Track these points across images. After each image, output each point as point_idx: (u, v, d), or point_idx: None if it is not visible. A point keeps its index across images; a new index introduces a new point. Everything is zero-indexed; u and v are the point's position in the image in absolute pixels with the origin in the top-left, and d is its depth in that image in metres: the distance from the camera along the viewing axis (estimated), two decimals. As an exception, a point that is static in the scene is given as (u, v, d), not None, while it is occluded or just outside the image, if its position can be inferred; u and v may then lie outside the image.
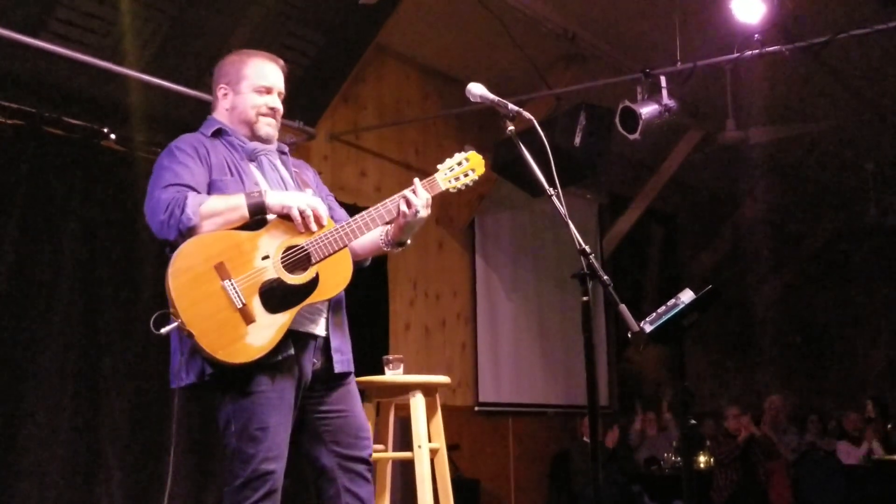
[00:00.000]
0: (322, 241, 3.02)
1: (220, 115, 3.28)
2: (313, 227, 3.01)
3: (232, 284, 2.88)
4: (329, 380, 3.17)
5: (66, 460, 5.21)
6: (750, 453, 8.58)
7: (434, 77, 8.09)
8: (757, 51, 6.10)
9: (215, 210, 2.94)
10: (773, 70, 7.61)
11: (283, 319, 2.92)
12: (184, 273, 2.87)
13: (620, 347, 10.78)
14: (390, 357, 4.37)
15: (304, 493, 6.00)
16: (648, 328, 3.73)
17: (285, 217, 3.00)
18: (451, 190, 3.31)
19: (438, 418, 4.39)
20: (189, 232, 2.90)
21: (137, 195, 5.70)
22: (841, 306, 13.50)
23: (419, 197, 3.19)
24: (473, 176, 3.34)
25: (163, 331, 2.86)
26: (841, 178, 11.28)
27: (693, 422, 9.23)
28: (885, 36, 6.41)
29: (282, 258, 2.97)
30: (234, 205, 2.96)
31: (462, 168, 3.33)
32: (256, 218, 2.98)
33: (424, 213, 3.20)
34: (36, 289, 5.24)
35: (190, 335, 2.83)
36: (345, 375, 3.21)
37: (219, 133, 3.21)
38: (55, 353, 5.25)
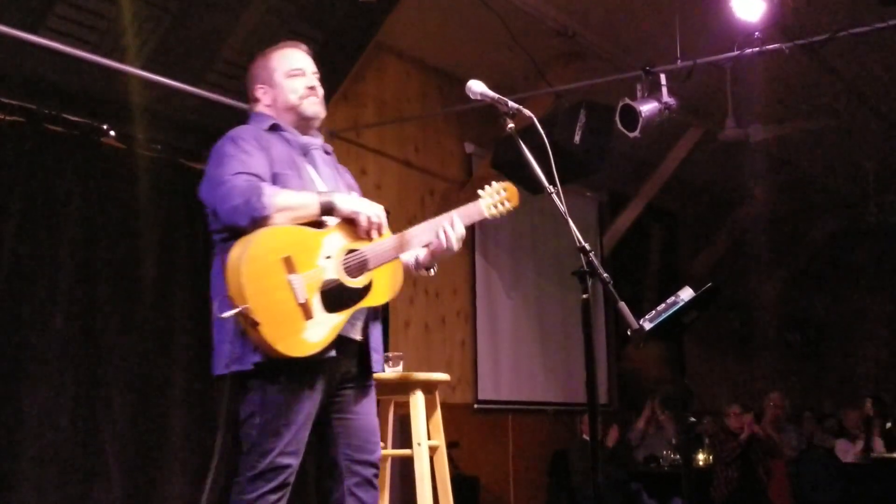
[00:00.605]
0: (379, 249, 3.10)
1: (265, 111, 3.33)
2: (375, 235, 3.11)
3: (297, 279, 2.92)
4: (356, 381, 3.22)
5: (66, 460, 5.20)
6: (751, 452, 8.58)
7: (434, 75, 8.09)
8: (757, 49, 6.10)
9: (289, 205, 2.97)
10: (774, 68, 7.61)
11: (338, 319, 2.99)
12: (255, 261, 2.89)
13: (620, 345, 10.78)
14: (390, 354, 4.37)
15: (303, 493, 6.01)
16: (648, 326, 3.73)
17: (350, 221, 3.07)
18: (488, 217, 3.37)
19: (438, 416, 4.39)
20: (262, 221, 2.92)
21: (137, 192, 5.77)
22: (840, 304, 13.51)
23: (455, 230, 3.24)
24: (509, 206, 3.42)
25: (225, 315, 2.87)
26: (841, 176, 11.28)
27: (692, 419, 9.25)
28: (885, 34, 6.40)
29: (343, 261, 3.03)
30: (307, 202, 3.01)
31: (500, 197, 3.40)
32: (321, 218, 3.05)
33: (456, 246, 3.25)
34: (35, 286, 5.23)
35: (255, 323, 2.84)
36: (368, 378, 3.26)
37: (273, 128, 3.25)
38: (54, 351, 5.25)
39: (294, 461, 3.00)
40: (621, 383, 10.90)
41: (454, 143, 8.57)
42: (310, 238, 3.01)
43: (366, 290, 3.06)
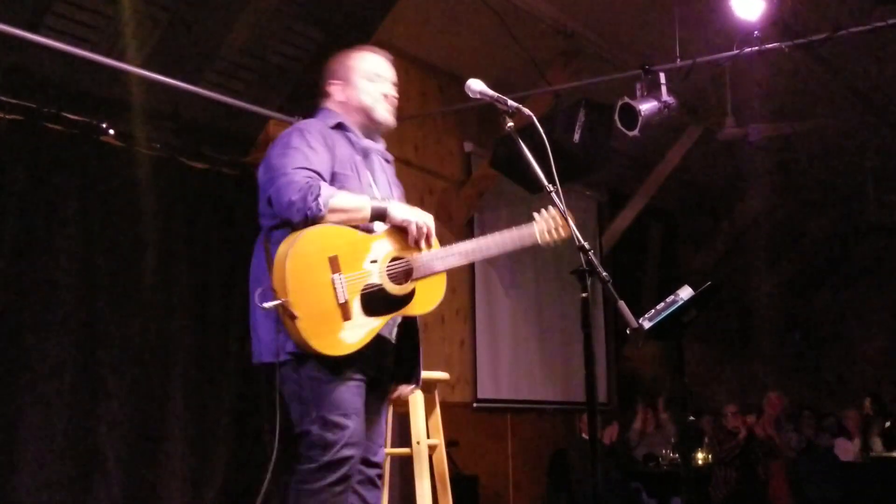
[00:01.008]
0: (425, 260, 3.16)
1: (334, 108, 3.33)
2: (424, 244, 3.16)
3: (340, 279, 2.96)
4: (383, 384, 3.27)
5: (65, 458, 5.21)
6: (750, 452, 8.59)
7: (433, 73, 8.09)
8: (756, 48, 6.10)
9: (343, 207, 3.00)
10: (773, 67, 7.61)
11: (375, 324, 3.02)
12: (302, 257, 2.93)
13: (619, 344, 10.79)
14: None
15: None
16: (647, 325, 3.74)
17: (400, 229, 3.11)
18: (540, 244, 3.38)
19: (437, 415, 4.39)
20: (314, 220, 2.94)
21: (137, 191, 5.77)
22: (839, 303, 13.51)
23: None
24: (563, 235, 3.34)
25: (266, 305, 2.90)
26: (840, 175, 11.27)
27: (691, 418, 9.26)
28: (884, 33, 6.40)
29: (388, 267, 3.08)
30: (360, 206, 3.04)
31: (554, 224, 3.34)
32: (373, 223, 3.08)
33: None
34: (34, 284, 5.23)
35: (293, 317, 2.88)
36: (390, 382, 3.32)
37: (339, 126, 3.26)
38: (54, 349, 5.25)
39: (356, 452, 3.02)
40: (620, 382, 10.90)
41: (453, 142, 8.56)
42: (359, 241, 3.04)
43: (407, 298, 3.11)
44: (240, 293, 6.09)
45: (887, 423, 9.85)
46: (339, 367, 3.00)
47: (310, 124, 3.21)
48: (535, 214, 3.36)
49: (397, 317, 3.18)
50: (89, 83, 5.66)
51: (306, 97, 6.62)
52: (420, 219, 3.14)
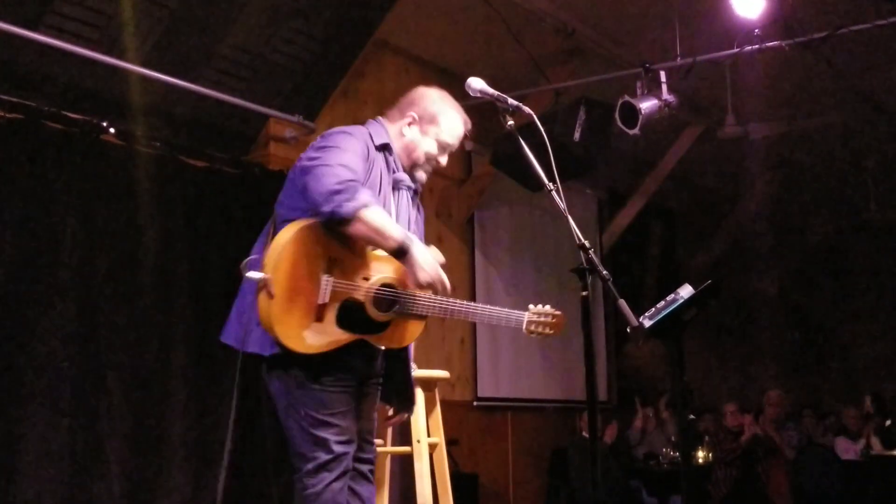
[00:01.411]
0: (413, 301, 3.15)
1: (392, 131, 3.32)
2: (421, 293, 3.15)
3: (329, 281, 2.95)
4: (372, 384, 3.28)
5: (65, 456, 5.20)
6: (751, 451, 8.58)
7: (433, 72, 8.08)
8: (757, 46, 6.11)
9: (373, 225, 2.96)
10: (773, 65, 7.60)
11: (341, 337, 3.01)
12: (304, 244, 2.94)
13: (619, 342, 10.78)
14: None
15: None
16: (647, 323, 3.74)
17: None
18: (524, 332, 3.40)
19: (437, 413, 4.40)
20: (338, 219, 2.92)
21: (137, 189, 5.77)
22: (840, 302, 13.50)
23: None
24: (549, 332, 3.43)
25: (250, 274, 2.95)
26: (840, 173, 11.27)
27: (692, 417, 9.25)
28: (884, 31, 6.40)
29: (376, 290, 3.07)
30: (389, 234, 3.00)
31: (545, 321, 3.40)
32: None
33: None
34: (35, 283, 5.23)
35: (270, 295, 2.89)
36: (379, 383, 3.33)
37: (383, 147, 3.26)
38: (54, 347, 5.24)
39: (349, 448, 3.05)
40: (621, 381, 10.90)
41: (454, 141, 8.56)
42: (362, 253, 3.04)
43: (381, 326, 3.09)
44: (240, 291, 6.09)
45: (888, 422, 9.85)
46: (326, 370, 3.02)
47: (358, 132, 3.20)
48: (531, 307, 3.39)
49: (360, 339, 3.14)
50: (89, 82, 5.65)
51: (307, 96, 6.64)
52: (435, 278, 3.12)
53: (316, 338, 2.95)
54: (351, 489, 3.14)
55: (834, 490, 8.65)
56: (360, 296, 3.02)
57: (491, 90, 3.23)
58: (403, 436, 4.51)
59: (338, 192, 2.89)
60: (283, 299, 2.90)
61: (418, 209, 3.46)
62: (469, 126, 3.42)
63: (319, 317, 2.95)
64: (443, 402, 4.51)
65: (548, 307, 3.39)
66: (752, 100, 8.40)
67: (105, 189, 5.63)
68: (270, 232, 3.07)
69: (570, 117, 7.08)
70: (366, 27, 6.80)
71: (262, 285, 2.92)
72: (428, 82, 3.55)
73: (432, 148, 3.32)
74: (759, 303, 13.15)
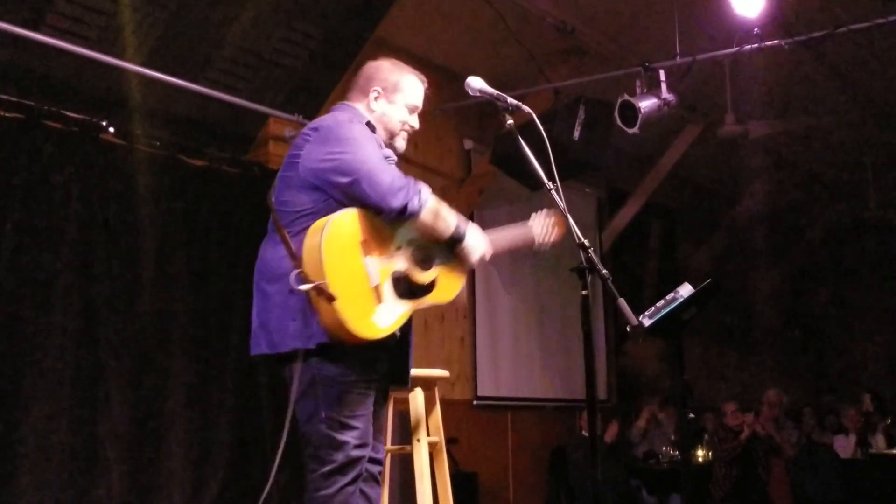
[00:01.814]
0: (444, 251, 3.22)
1: (362, 111, 3.35)
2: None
3: (372, 263, 2.99)
4: (384, 382, 3.26)
5: (66, 457, 5.20)
6: (752, 450, 8.59)
7: (433, 71, 8.05)
8: (756, 45, 6.11)
9: (438, 216, 3.12)
10: (773, 64, 7.61)
11: (405, 308, 3.08)
12: (336, 240, 2.95)
13: (619, 341, 10.78)
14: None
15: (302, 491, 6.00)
16: (647, 322, 3.74)
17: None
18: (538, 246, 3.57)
19: (437, 412, 4.39)
20: (410, 214, 3.01)
21: (137, 188, 5.77)
22: (839, 300, 13.52)
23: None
24: (557, 232, 3.57)
25: (302, 287, 2.91)
26: (840, 172, 11.28)
27: (691, 416, 9.25)
28: (884, 30, 6.41)
29: (412, 252, 3.13)
30: (449, 222, 3.17)
31: (549, 222, 3.57)
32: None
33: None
34: (35, 283, 5.23)
35: (331, 298, 2.88)
36: (388, 382, 3.32)
37: (369, 125, 3.29)
38: (54, 347, 5.25)
39: (365, 452, 3.05)
40: (620, 379, 10.90)
41: (453, 140, 8.56)
42: (385, 226, 3.07)
43: (430, 287, 3.17)
44: (240, 290, 6.09)
45: (888, 421, 9.86)
46: (356, 369, 3.02)
47: (355, 117, 3.25)
48: (532, 218, 3.53)
49: (422, 304, 3.20)
50: (89, 81, 5.66)
51: (307, 95, 6.64)
52: (486, 253, 3.28)
53: (385, 318, 3.00)
54: (361, 491, 3.13)
55: (834, 489, 8.65)
56: (401, 265, 3.08)
57: (490, 89, 3.23)
58: (403, 435, 4.51)
59: (401, 188, 2.97)
60: (344, 297, 2.90)
61: None
62: (426, 83, 3.48)
63: (379, 299, 2.98)
64: (443, 402, 4.50)
65: (542, 211, 3.54)
66: (752, 99, 8.41)
67: (105, 188, 5.63)
68: (282, 237, 3.03)
69: (569, 116, 7.09)
70: (365, 26, 6.80)
71: (315, 295, 2.91)
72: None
73: (403, 114, 3.36)
74: (758, 301, 13.15)
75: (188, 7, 5.77)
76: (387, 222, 3.06)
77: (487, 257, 3.29)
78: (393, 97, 3.34)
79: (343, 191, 3.01)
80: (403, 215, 2.98)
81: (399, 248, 3.09)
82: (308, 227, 3.00)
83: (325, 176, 3.05)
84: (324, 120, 3.22)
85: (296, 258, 2.97)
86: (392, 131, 3.34)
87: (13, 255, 5.14)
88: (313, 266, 2.91)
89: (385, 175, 2.98)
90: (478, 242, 3.24)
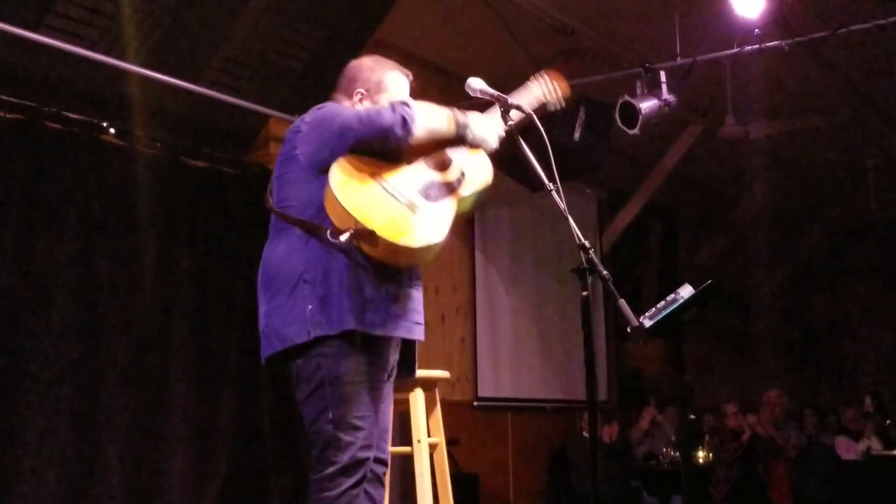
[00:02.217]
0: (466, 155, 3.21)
1: None
2: None
3: (389, 184, 2.99)
4: (391, 376, 3.23)
5: (66, 457, 5.21)
6: (752, 451, 8.59)
7: (433, 72, 8.07)
8: (756, 46, 6.11)
9: (428, 127, 3.10)
10: (773, 65, 7.60)
11: (447, 204, 3.07)
12: (347, 185, 2.93)
13: (620, 342, 10.78)
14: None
15: (304, 492, 6.00)
16: (648, 323, 3.73)
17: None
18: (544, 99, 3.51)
19: (438, 413, 4.39)
20: (407, 135, 3.01)
21: (137, 189, 5.77)
22: (840, 301, 13.51)
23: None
24: (562, 88, 3.52)
25: (342, 238, 2.88)
26: (841, 173, 11.27)
27: (692, 417, 9.26)
28: (884, 31, 6.40)
29: (426, 160, 3.13)
30: (448, 128, 3.18)
31: (550, 82, 3.52)
32: None
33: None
34: (35, 283, 5.23)
35: (370, 233, 2.87)
36: (395, 377, 3.28)
37: None
38: (54, 347, 5.25)
39: (371, 454, 3.01)
40: (621, 380, 10.90)
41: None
42: (387, 155, 3.07)
43: (458, 181, 3.14)
44: (240, 290, 6.09)
45: (888, 422, 9.85)
46: (364, 364, 2.99)
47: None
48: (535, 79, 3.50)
49: (417, 305, 3.19)
50: (90, 82, 5.66)
51: (307, 95, 6.63)
52: (493, 144, 3.23)
53: (434, 220, 2.99)
54: (366, 492, 3.10)
55: (834, 490, 8.65)
56: (422, 175, 3.09)
57: (491, 90, 3.23)
58: (403, 436, 4.51)
59: (389, 108, 3.01)
60: (381, 225, 2.88)
61: None
62: (410, 76, 3.47)
63: (413, 209, 2.98)
64: (443, 402, 4.50)
65: (536, 77, 3.52)
66: (753, 99, 8.40)
67: (106, 189, 5.64)
68: (303, 224, 3.01)
69: (570, 117, 7.08)
70: (366, 27, 6.80)
71: (355, 240, 2.89)
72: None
73: None
74: (759, 302, 13.15)
75: (189, 8, 5.77)
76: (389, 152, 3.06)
77: (503, 133, 3.23)
78: (378, 98, 3.30)
79: (348, 148, 3.01)
80: (406, 128, 2.98)
81: (410, 163, 3.09)
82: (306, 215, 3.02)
83: (327, 150, 3.03)
84: (310, 112, 3.19)
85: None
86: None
87: (14, 255, 5.14)
88: (340, 217, 2.90)
89: (371, 110, 3.03)
90: (485, 129, 3.23)
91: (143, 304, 5.72)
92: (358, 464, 2.96)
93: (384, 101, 3.27)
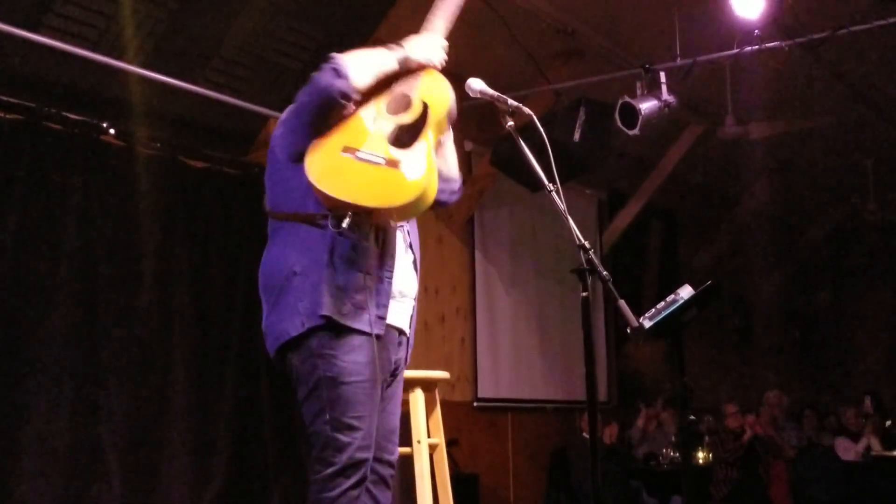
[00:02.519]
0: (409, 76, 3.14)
1: None
2: None
3: (364, 152, 2.94)
4: (397, 371, 3.20)
5: (66, 458, 5.21)
6: (752, 452, 8.59)
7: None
8: (756, 46, 6.11)
9: (369, 74, 3.02)
10: (773, 65, 7.61)
11: (421, 145, 2.99)
12: (324, 171, 2.91)
13: (620, 343, 10.78)
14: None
15: (305, 493, 5.99)
16: (648, 324, 3.74)
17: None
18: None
19: (437, 414, 4.39)
20: (340, 93, 2.95)
21: (137, 189, 5.77)
22: (840, 302, 13.52)
23: None
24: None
25: (344, 225, 2.84)
26: (840, 173, 11.28)
27: (692, 417, 9.26)
28: (884, 32, 6.41)
29: (386, 109, 3.06)
30: (385, 64, 3.08)
31: None
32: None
33: None
34: (35, 284, 5.23)
35: (367, 210, 2.87)
36: (400, 374, 3.25)
37: None
38: (54, 348, 5.25)
39: (369, 454, 2.97)
40: (621, 381, 10.90)
41: (455, 141, 8.55)
42: (351, 120, 3.02)
43: (425, 113, 3.07)
44: (240, 291, 6.09)
45: (888, 422, 9.85)
46: (351, 368, 2.94)
47: None
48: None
49: (408, 308, 3.13)
50: (90, 82, 5.66)
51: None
52: (438, 57, 3.22)
53: (414, 168, 2.94)
54: (370, 493, 3.07)
55: (834, 491, 8.65)
56: (388, 127, 3.02)
57: (491, 91, 3.22)
58: (403, 436, 4.51)
59: (320, 69, 2.98)
60: (373, 195, 2.88)
61: None
62: None
63: (395, 164, 2.93)
64: (443, 403, 4.50)
65: None
66: (752, 100, 8.41)
67: (105, 189, 5.64)
68: (299, 216, 3.00)
69: (570, 118, 7.09)
70: (365, 27, 6.79)
71: (356, 218, 2.86)
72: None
73: None
74: (759, 303, 13.15)
75: (188, 8, 5.77)
76: (350, 116, 3.03)
77: (446, 44, 3.22)
78: None
79: (307, 125, 2.99)
80: (340, 74, 2.95)
81: (375, 120, 3.03)
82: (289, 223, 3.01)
83: (291, 134, 3.04)
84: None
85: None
86: None
87: (14, 256, 5.14)
88: (331, 202, 2.88)
89: (313, 87, 2.99)
90: (426, 48, 3.22)
91: (142, 304, 5.72)
92: (355, 465, 2.92)
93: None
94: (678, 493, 8.81)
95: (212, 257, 6.14)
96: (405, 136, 3.00)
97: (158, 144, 5.97)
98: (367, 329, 2.96)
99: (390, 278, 3.06)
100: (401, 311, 3.13)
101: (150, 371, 5.70)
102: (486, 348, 8.79)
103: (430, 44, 3.22)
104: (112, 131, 5.70)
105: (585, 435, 8.51)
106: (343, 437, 2.92)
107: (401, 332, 3.15)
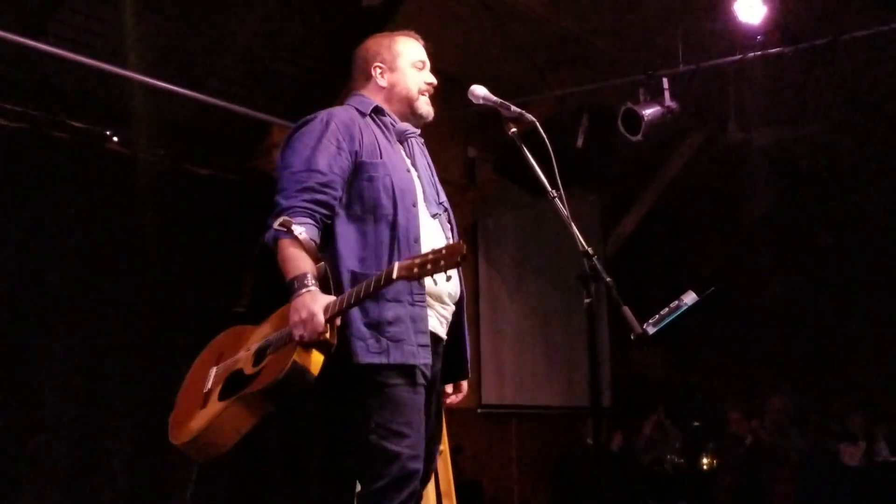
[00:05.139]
0: (282, 334, 2.84)
1: (373, 93, 3.22)
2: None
3: (214, 370, 2.99)
4: (437, 387, 3.12)
5: (69, 460, 5.22)
6: (756, 457, 8.57)
7: (437, 79, 8.09)
8: (759, 52, 6.11)
9: (283, 256, 2.84)
10: (776, 71, 7.60)
11: (219, 407, 2.87)
12: (198, 360, 3.08)
13: (624, 349, 10.77)
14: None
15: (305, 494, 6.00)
16: (651, 330, 3.73)
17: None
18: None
19: (441, 420, 4.38)
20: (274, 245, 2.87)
21: (141, 197, 5.78)
22: (844, 307, 13.48)
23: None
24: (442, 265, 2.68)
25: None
26: (844, 178, 11.26)
27: (696, 423, 9.24)
28: (887, 37, 6.41)
29: (256, 350, 2.91)
30: (288, 269, 2.81)
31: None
32: None
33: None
34: (39, 291, 5.24)
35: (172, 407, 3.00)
36: (444, 381, 3.19)
37: (376, 111, 3.15)
38: (57, 353, 5.26)
39: (420, 465, 2.81)
40: (625, 387, 10.88)
41: (457, 148, 8.56)
42: (247, 332, 3.05)
43: (258, 373, 2.83)
44: (245, 297, 6.09)
45: (893, 428, 9.82)
46: (395, 375, 2.82)
47: (335, 117, 3.02)
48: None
49: (447, 313, 3.04)
50: (93, 90, 5.67)
51: (309, 102, 6.64)
52: (305, 329, 2.69)
53: (198, 421, 2.92)
54: None
55: (839, 496, 8.63)
56: (240, 365, 2.90)
57: (494, 97, 3.23)
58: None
59: (275, 212, 2.86)
60: (179, 404, 3.01)
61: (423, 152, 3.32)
62: (420, 39, 3.42)
63: (203, 403, 2.93)
64: (447, 409, 4.50)
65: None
66: (756, 106, 8.40)
67: (109, 197, 5.65)
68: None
69: (573, 124, 7.09)
70: (369, 34, 6.80)
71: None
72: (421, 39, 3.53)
73: (413, 75, 3.25)
74: (763, 308, 13.12)
75: (191, 16, 5.79)
76: (254, 327, 3.02)
77: (300, 321, 2.70)
78: (396, 64, 3.25)
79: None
80: (274, 242, 2.85)
81: (248, 350, 2.92)
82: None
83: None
84: (297, 124, 3.07)
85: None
86: (410, 98, 3.21)
87: (18, 263, 5.15)
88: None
89: (281, 192, 2.86)
90: (299, 313, 2.72)
91: (146, 311, 5.73)
92: (407, 476, 2.76)
93: (403, 65, 3.24)
94: (683, 498, 8.80)
95: (216, 264, 6.15)
96: (233, 385, 2.87)
97: (162, 152, 5.98)
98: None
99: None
100: (440, 319, 3.03)
101: (153, 378, 5.70)
102: (490, 354, 8.79)
103: (305, 315, 2.71)
104: (116, 139, 5.71)
105: (590, 441, 8.52)
106: (392, 447, 2.76)
107: (441, 339, 3.05)
